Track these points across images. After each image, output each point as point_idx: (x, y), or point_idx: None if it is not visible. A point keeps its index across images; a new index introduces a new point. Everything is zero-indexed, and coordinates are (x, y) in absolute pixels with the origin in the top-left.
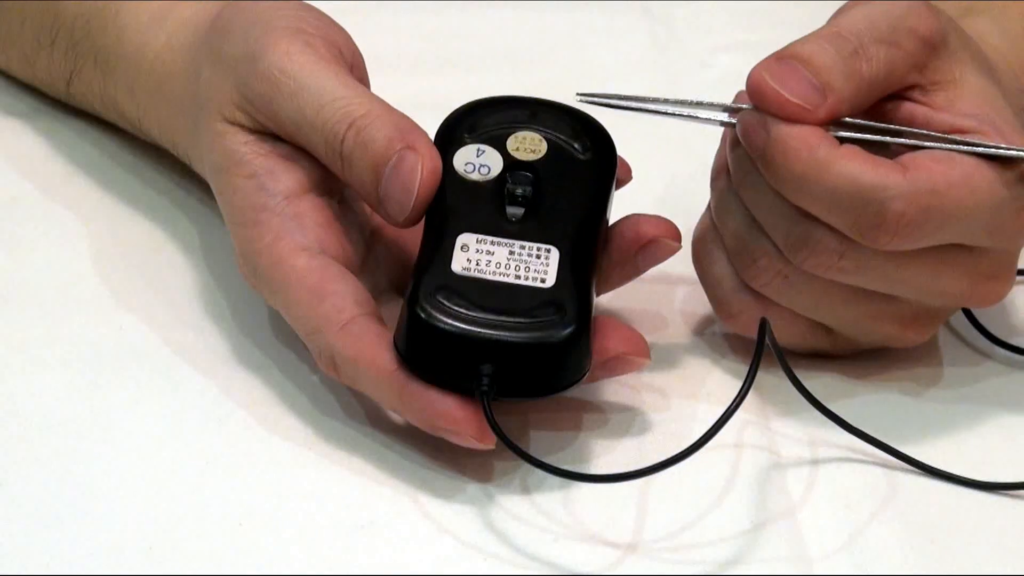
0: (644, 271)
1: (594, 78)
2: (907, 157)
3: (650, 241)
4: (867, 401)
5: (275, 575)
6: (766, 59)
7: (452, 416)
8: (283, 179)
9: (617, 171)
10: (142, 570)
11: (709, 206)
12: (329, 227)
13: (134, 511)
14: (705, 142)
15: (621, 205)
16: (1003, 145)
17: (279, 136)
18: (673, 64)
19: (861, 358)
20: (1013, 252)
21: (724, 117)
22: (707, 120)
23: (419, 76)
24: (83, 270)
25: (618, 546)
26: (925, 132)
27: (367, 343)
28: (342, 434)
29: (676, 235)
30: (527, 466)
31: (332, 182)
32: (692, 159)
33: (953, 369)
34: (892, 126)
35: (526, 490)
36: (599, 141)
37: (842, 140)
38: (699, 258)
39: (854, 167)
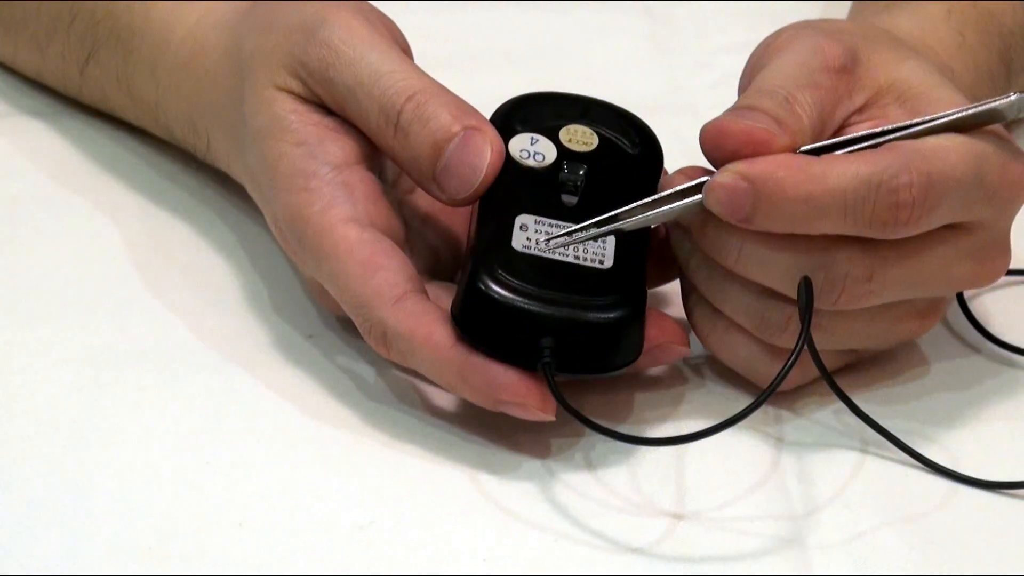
0: None
1: (594, 78)
2: (884, 146)
3: None
4: (867, 401)
5: (292, 571)
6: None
7: (516, 389)
8: (332, 149)
9: (663, 168)
10: (142, 570)
11: (694, 309)
12: (378, 201)
13: (134, 511)
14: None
15: None
16: (960, 109)
17: (327, 108)
18: (673, 64)
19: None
20: (1005, 224)
21: (678, 203)
22: (663, 213)
23: None
24: (90, 266)
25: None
26: (884, 129)
27: (422, 319)
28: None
29: None
30: (585, 441)
31: (377, 158)
32: (694, 155)
33: (953, 369)
34: (852, 135)
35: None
36: (645, 138)
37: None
38: (719, 352)
39: (849, 165)
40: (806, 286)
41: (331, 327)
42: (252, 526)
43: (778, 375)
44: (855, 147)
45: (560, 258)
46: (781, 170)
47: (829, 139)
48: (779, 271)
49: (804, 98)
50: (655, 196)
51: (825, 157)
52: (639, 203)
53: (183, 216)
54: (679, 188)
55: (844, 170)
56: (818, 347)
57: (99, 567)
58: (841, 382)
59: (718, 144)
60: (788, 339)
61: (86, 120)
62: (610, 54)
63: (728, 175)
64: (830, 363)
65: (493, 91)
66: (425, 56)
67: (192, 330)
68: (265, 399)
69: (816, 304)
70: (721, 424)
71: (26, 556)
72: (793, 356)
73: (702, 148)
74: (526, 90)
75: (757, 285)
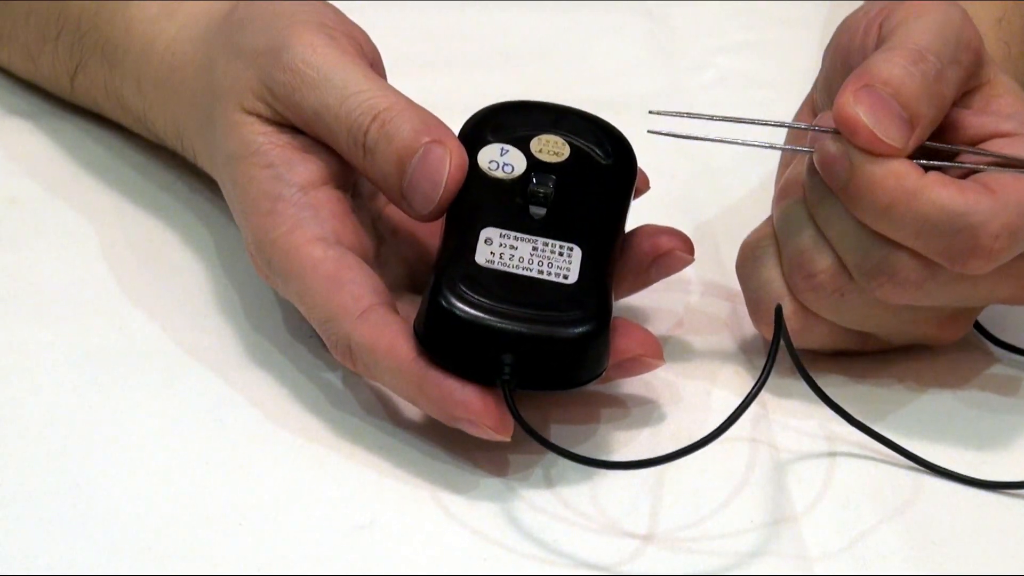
0: (656, 281)
1: (594, 78)
2: (990, 179)
3: (665, 253)
4: (868, 400)
5: (279, 575)
6: (853, 83)
7: (471, 406)
8: (300, 170)
9: (636, 179)
10: (142, 570)
11: (771, 217)
12: (345, 218)
13: (134, 511)
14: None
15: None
16: None
17: (297, 128)
18: (673, 64)
19: (863, 356)
20: None
21: (799, 145)
22: (782, 148)
23: (419, 76)
24: (88, 269)
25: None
26: (1002, 156)
27: (385, 332)
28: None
29: (690, 248)
30: (545, 460)
31: (347, 176)
32: (691, 158)
33: (954, 369)
34: (967, 148)
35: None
36: (620, 148)
37: (924, 167)
38: (747, 259)
39: (943, 194)
40: (777, 315)
41: None
42: (252, 526)
43: (747, 396)
44: (970, 165)
45: (524, 273)
46: (880, 169)
47: (941, 144)
48: (844, 230)
49: (952, 74)
50: (786, 123)
51: (931, 175)
52: (758, 119)
53: (180, 219)
54: (810, 126)
55: (937, 198)
56: (830, 319)
57: (99, 567)
58: (835, 379)
59: (846, 134)
60: (808, 290)
61: (77, 122)
62: (610, 54)
63: (838, 148)
64: (833, 340)
65: (493, 91)
66: (425, 56)
67: (192, 331)
68: (264, 399)
69: (859, 279)
70: (689, 447)
71: (26, 556)
72: (761, 379)
73: (834, 116)
74: (525, 90)
75: (820, 232)
